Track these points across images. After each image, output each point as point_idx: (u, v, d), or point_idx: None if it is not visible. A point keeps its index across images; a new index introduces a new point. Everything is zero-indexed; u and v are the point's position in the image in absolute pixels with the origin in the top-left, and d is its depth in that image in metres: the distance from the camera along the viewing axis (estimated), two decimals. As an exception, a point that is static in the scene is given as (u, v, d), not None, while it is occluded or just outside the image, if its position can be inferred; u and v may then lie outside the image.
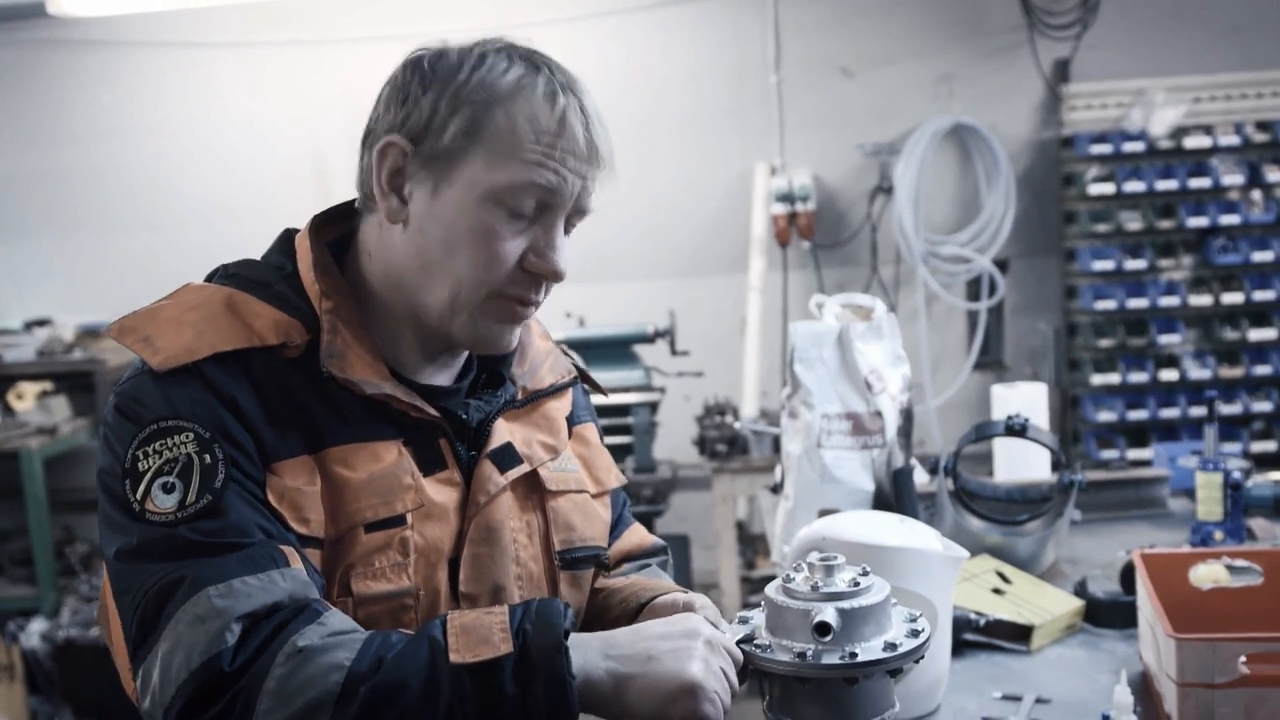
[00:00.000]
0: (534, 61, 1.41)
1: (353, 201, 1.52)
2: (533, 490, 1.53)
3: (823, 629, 1.26)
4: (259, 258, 1.50)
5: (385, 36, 5.82)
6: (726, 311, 5.92)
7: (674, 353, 5.07)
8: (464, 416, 1.48)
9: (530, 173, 1.37)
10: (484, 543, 1.45)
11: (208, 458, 1.29)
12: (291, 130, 6.03)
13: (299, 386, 1.37)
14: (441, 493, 1.43)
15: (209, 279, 1.47)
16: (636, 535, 1.75)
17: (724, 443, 4.83)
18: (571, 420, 1.64)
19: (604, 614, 1.56)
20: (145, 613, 1.25)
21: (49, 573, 5.41)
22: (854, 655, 1.26)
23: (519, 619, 1.26)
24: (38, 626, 5.07)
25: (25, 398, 5.67)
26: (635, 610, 1.52)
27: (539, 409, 1.58)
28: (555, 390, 1.61)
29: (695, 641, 1.28)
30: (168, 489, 1.28)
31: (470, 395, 1.53)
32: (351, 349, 1.40)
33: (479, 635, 1.24)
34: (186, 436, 1.30)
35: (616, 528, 1.70)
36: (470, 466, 1.47)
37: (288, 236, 1.51)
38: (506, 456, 1.49)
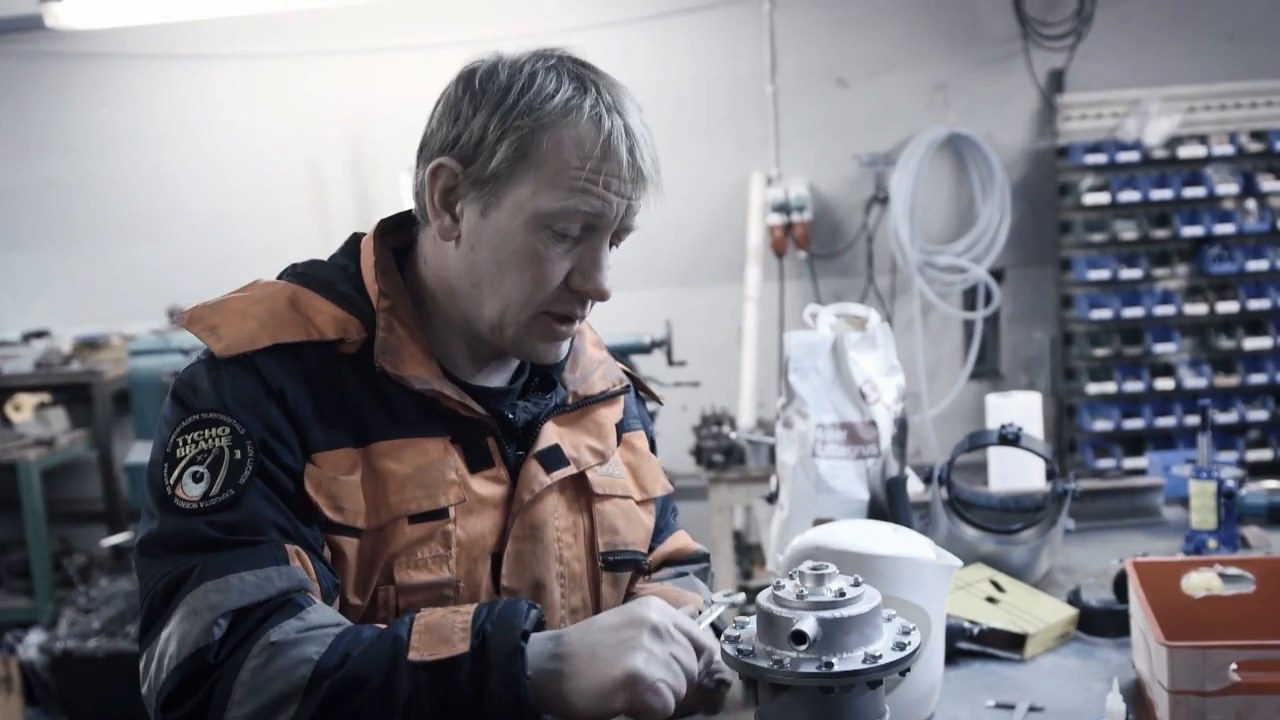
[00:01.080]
0: (583, 80, 1.44)
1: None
2: (580, 493, 1.59)
3: (799, 637, 1.27)
4: (327, 258, 1.57)
5: (382, 48, 5.86)
6: (723, 321, 5.93)
7: (670, 363, 5.08)
8: (510, 417, 1.53)
9: (575, 200, 1.41)
10: (527, 540, 1.50)
11: (238, 453, 1.36)
12: (288, 141, 6.05)
13: (352, 381, 1.44)
14: (487, 489, 1.49)
15: (280, 276, 1.54)
16: (679, 541, 1.80)
17: (721, 453, 4.83)
18: (622, 427, 1.70)
19: None
20: (154, 603, 1.32)
21: (46, 584, 5.41)
22: (830, 665, 1.26)
23: (481, 619, 1.30)
24: (35, 638, 5.06)
25: (23, 409, 5.68)
26: None
27: (589, 414, 1.64)
28: (606, 397, 1.67)
29: (640, 631, 1.30)
30: (196, 478, 1.35)
31: (522, 397, 1.58)
32: (406, 347, 1.46)
33: (440, 634, 1.29)
34: (223, 430, 1.37)
35: (660, 533, 1.75)
36: (517, 466, 1.52)
37: (355, 239, 1.58)
38: (553, 458, 1.55)
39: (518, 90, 1.41)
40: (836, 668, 1.26)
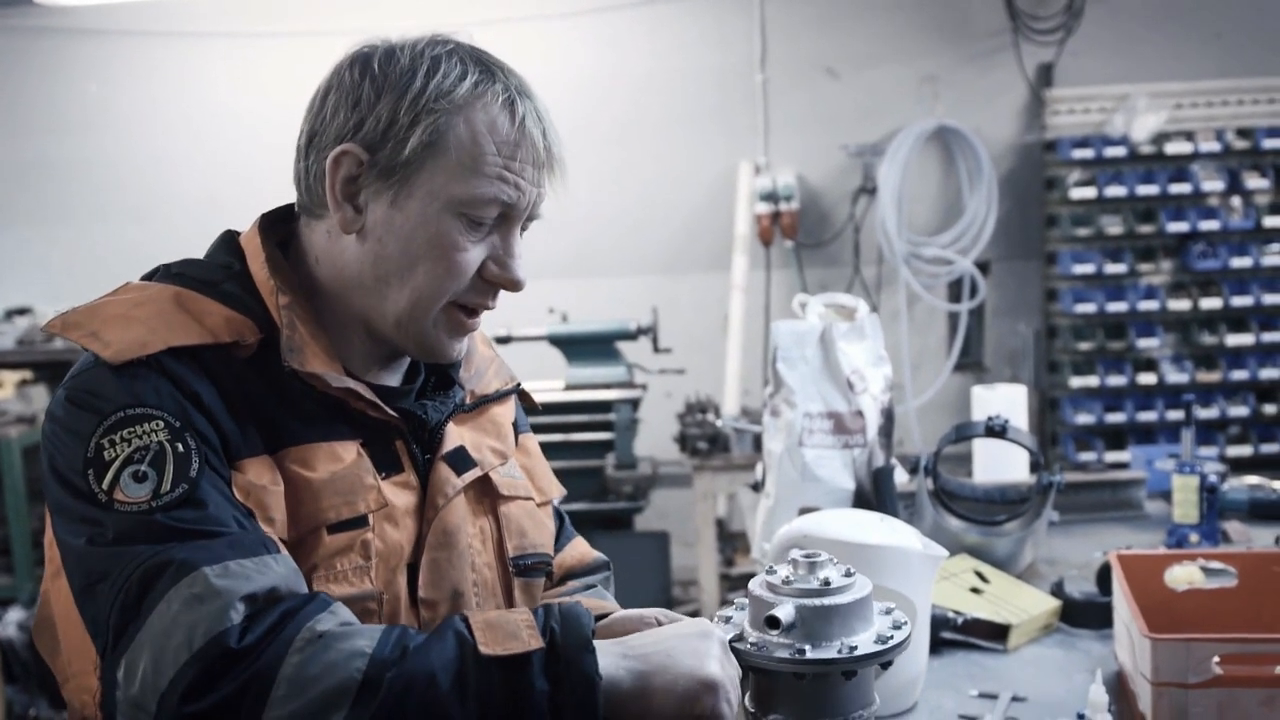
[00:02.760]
0: (486, 64, 1.39)
1: (293, 204, 1.49)
2: (484, 494, 1.52)
3: (772, 622, 1.27)
4: (202, 257, 1.47)
5: (380, 29, 5.83)
6: (709, 309, 5.94)
7: (656, 349, 5.08)
8: (423, 416, 1.47)
9: (493, 186, 1.36)
10: (442, 547, 1.44)
11: (180, 446, 1.24)
12: (279, 122, 6.00)
13: (254, 386, 1.34)
14: (399, 496, 1.41)
15: (149, 277, 1.43)
16: (579, 549, 1.75)
17: (705, 440, 4.84)
18: (517, 428, 1.65)
19: None
20: (128, 597, 1.18)
21: (27, 562, 5.38)
22: (801, 652, 1.27)
23: (544, 619, 1.24)
24: (15, 616, 5.04)
25: (5, 386, 5.66)
26: None
27: (485, 414, 1.58)
28: (501, 395, 1.62)
29: (711, 642, 1.27)
30: (139, 478, 1.22)
31: (420, 397, 1.52)
32: (309, 346, 1.37)
33: (506, 630, 1.22)
34: (156, 425, 1.25)
35: (559, 539, 1.69)
36: (425, 470, 1.46)
37: (230, 236, 1.48)
38: (460, 460, 1.49)
39: (423, 74, 1.35)
40: (808, 655, 1.26)
